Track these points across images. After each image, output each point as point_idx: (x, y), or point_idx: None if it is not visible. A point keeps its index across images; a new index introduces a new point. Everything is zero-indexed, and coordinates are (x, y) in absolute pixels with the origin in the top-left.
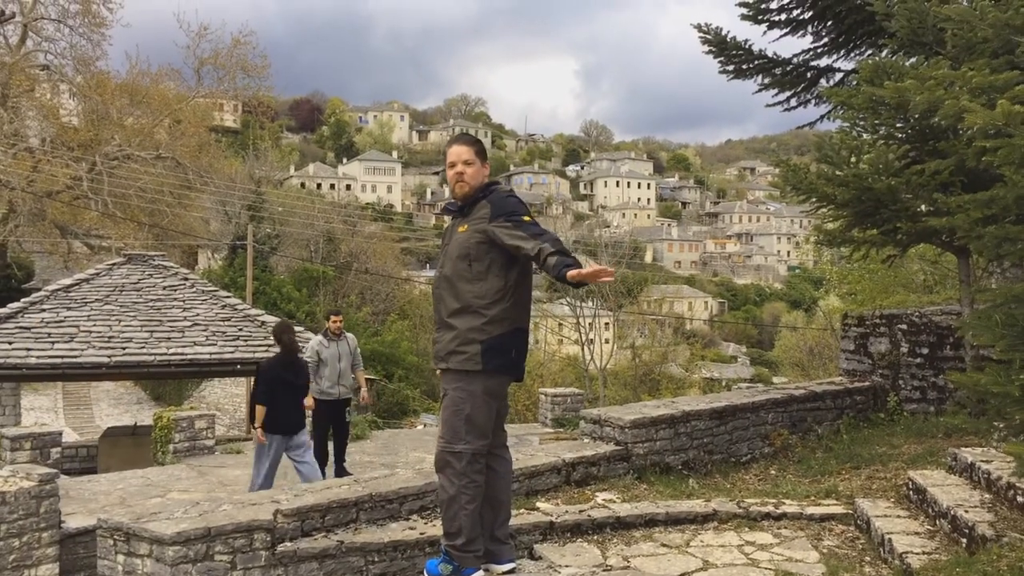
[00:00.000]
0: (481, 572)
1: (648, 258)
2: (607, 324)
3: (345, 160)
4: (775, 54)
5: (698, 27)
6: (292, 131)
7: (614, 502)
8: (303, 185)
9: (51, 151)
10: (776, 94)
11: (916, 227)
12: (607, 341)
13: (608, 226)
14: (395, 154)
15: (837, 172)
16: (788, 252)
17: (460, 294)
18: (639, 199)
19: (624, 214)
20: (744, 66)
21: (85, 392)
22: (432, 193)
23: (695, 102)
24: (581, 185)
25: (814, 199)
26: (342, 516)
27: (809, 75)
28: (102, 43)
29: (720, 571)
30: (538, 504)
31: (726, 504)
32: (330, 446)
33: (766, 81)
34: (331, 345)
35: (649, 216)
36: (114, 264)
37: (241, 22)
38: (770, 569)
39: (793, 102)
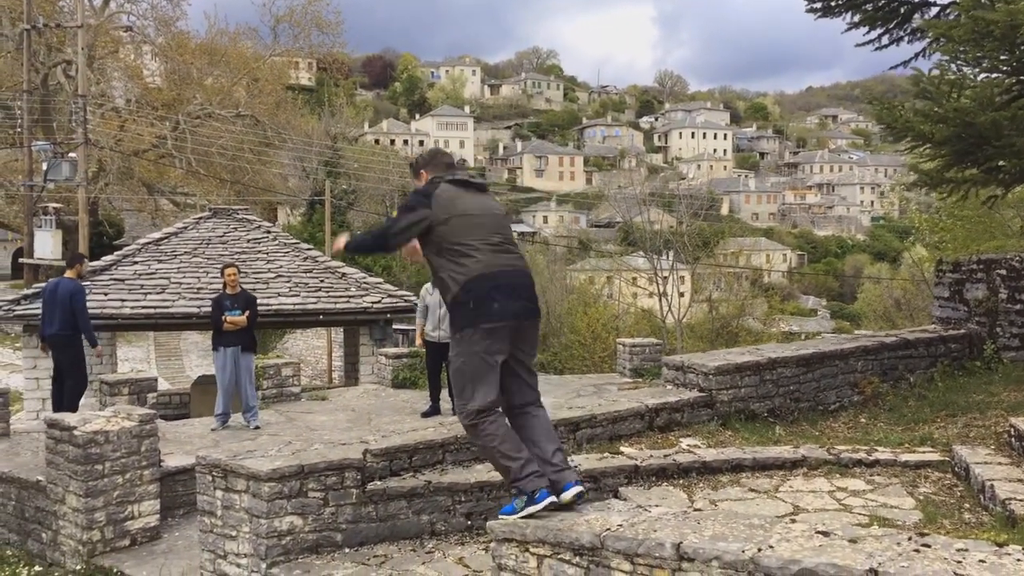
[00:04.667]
0: (552, 497)
1: (725, 210)
2: (682, 277)
3: (418, 116)
4: None
5: None
6: (365, 88)
7: (699, 447)
8: (377, 141)
9: (136, 111)
10: (867, 32)
11: (1021, 165)
12: (682, 294)
13: (683, 178)
14: (467, 109)
15: (936, 108)
16: (872, 202)
17: None
18: (715, 150)
19: (700, 166)
20: (833, 2)
21: (175, 344)
22: (504, 147)
23: (775, 48)
24: (655, 137)
25: (909, 138)
26: (429, 457)
27: (902, 10)
28: (181, 3)
29: (811, 516)
30: (622, 448)
31: (815, 451)
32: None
33: (856, 19)
34: (435, 292)
35: (725, 167)
36: (201, 218)
37: None
38: (864, 514)
39: (885, 40)
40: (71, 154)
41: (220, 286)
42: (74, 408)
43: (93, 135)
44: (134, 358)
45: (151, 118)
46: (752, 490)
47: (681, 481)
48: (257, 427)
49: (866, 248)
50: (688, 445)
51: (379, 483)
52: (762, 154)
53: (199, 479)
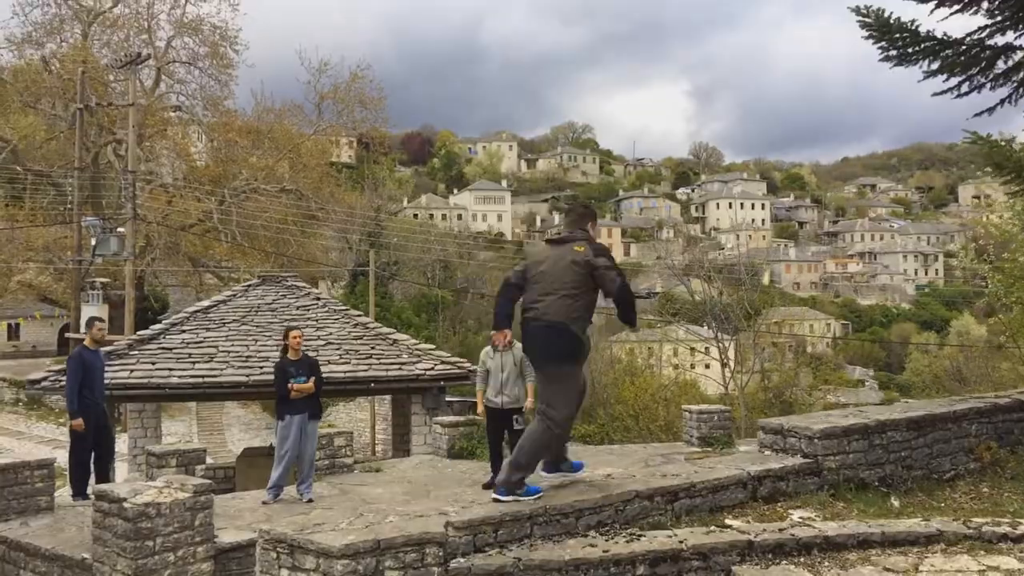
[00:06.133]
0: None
1: (765, 280)
2: (722, 348)
3: (456, 191)
4: (945, 35)
5: (856, 10)
6: (404, 164)
7: (814, 520)
8: (416, 216)
9: (183, 187)
10: (946, 79)
11: None
12: (726, 364)
13: (721, 248)
14: (504, 183)
15: None
16: (916, 271)
17: None
18: (752, 220)
19: (738, 235)
20: (910, 50)
21: (218, 418)
22: (542, 220)
23: (810, 120)
24: (692, 208)
25: (1022, 178)
26: (516, 531)
27: (984, 55)
28: (229, 83)
29: None
30: (727, 521)
31: (950, 524)
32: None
33: (934, 67)
34: (496, 356)
35: (764, 237)
36: (249, 285)
37: (359, 57)
38: None
39: (965, 87)
40: (119, 229)
41: (277, 351)
42: (74, 480)
43: (141, 210)
44: (176, 432)
45: (198, 194)
46: (888, 569)
47: (802, 559)
48: (310, 500)
49: (912, 317)
50: (801, 517)
51: (462, 560)
52: (801, 223)
53: (260, 556)
